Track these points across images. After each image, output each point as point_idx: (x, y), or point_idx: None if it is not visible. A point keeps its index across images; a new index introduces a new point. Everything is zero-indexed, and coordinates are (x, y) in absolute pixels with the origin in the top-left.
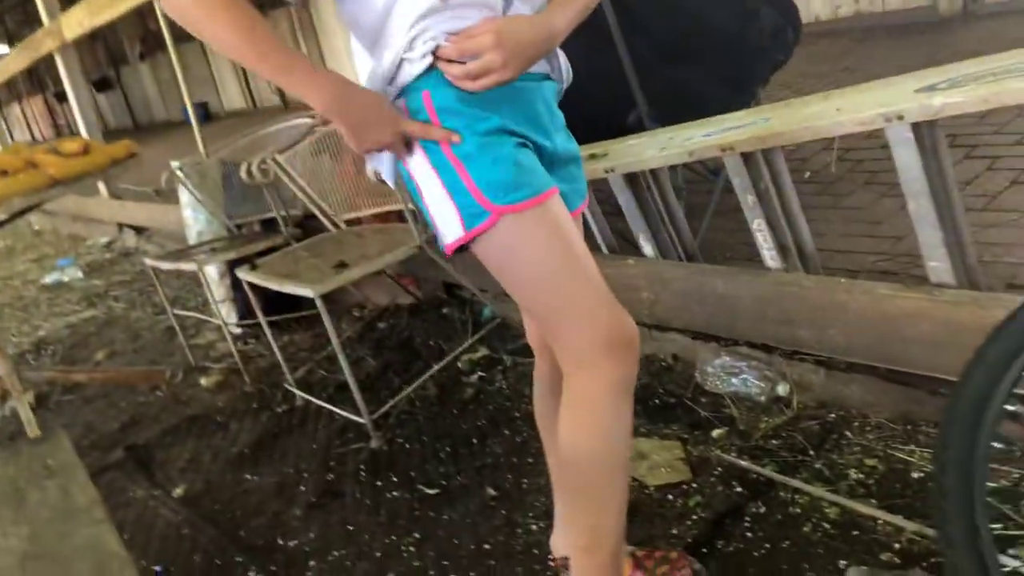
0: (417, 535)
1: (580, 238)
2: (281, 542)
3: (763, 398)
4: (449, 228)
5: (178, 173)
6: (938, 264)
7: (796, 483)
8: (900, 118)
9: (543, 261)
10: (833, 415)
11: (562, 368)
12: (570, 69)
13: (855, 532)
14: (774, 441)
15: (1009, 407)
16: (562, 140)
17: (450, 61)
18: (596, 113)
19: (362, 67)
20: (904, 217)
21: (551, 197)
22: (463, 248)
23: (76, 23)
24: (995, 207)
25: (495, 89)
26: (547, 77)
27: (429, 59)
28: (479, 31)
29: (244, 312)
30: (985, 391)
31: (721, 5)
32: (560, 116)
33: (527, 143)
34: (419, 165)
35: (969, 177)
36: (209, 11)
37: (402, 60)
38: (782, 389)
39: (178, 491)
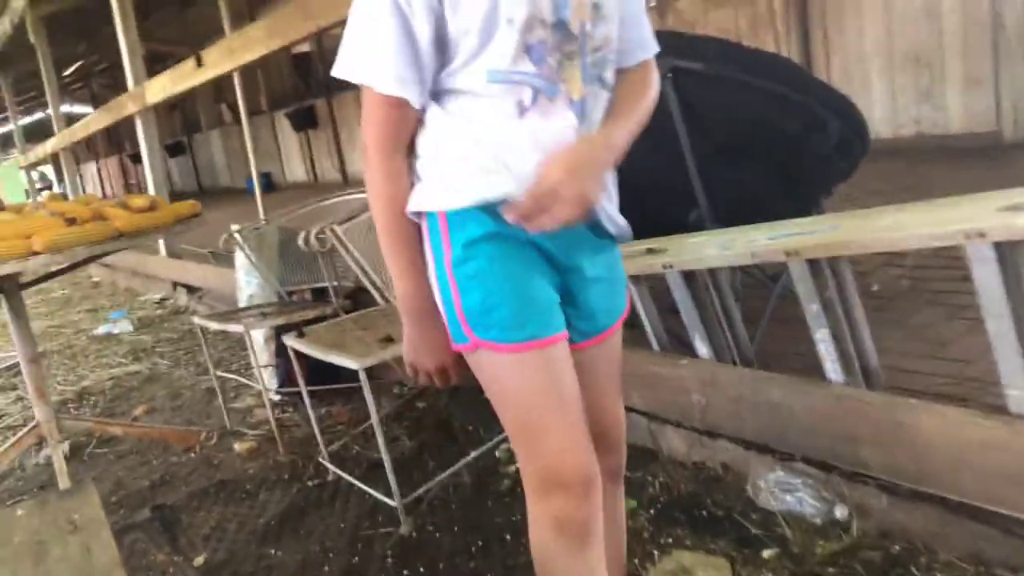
0: None
1: (570, 375)
2: None
3: (819, 520)
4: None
5: (236, 236)
6: (1019, 393)
7: None
8: (981, 236)
9: (516, 390)
10: (897, 547)
11: None
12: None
13: None
14: (831, 569)
15: None
16: (602, 263)
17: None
18: (656, 209)
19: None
20: (972, 340)
21: (542, 347)
22: None
23: (159, 89)
24: None
25: None
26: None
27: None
28: (544, 171)
29: (285, 379)
30: None
31: (787, 111)
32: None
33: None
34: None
35: None
36: (378, 209)
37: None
38: (840, 512)
39: (199, 560)
